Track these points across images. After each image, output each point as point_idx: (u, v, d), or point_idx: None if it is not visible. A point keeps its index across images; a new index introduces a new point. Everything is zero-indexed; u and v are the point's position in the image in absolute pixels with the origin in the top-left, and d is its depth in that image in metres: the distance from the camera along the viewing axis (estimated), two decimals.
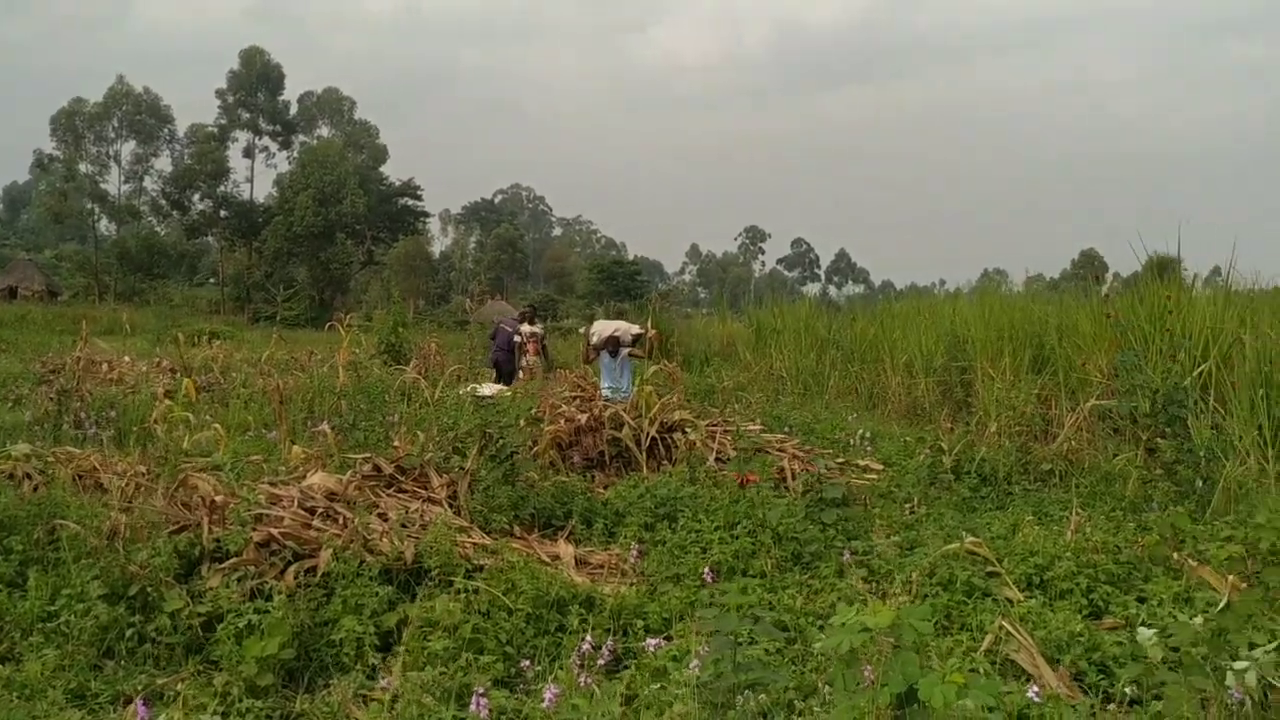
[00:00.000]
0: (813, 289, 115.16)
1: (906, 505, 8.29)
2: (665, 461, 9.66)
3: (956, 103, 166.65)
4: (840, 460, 10.33)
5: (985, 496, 8.67)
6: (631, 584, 6.18)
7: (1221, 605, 4.57)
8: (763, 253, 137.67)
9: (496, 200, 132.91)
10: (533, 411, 9.88)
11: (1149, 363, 9.38)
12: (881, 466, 9.99)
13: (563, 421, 9.94)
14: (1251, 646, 3.97)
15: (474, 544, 6.36)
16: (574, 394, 11.38)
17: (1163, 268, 13.21)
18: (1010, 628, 4.96)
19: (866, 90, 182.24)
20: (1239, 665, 3.61)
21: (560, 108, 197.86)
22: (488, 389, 11.63)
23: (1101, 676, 4.69)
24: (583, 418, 9.94)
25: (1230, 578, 5.49)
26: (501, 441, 7.81)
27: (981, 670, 4.61)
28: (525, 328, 17.67)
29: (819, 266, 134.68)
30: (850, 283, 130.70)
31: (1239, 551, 5.76)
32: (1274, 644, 3.86)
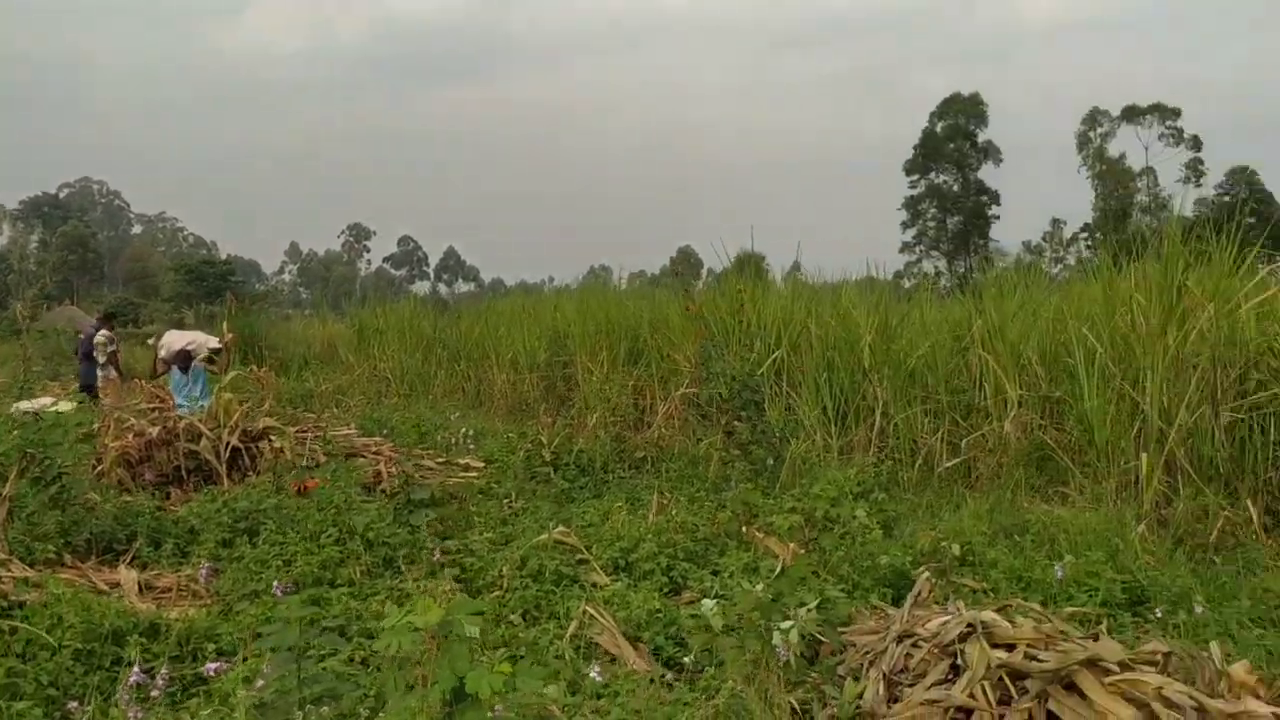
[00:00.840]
0: (422, 287, 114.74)
1: (505, 501, 8.51)
2: (250, 472, 9.20)
3: (558, 103, 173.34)
4: (441, 460, 10.45)
5: (583, 487, 9.13)
6: (203, 605, 5.79)
7: (778, 571, 5.16)
8: (368, 251, 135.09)
9: (62, 195, 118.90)
10: (93, 426, 8.99)
11: (729, 351, 10.35)
12: (483, 464, 10.20)
13: (131, 436, 9.17)
14: (802, 606, 4.52)
15: (12, 578, 5.64)
16: (150, 405, 10.53)
17: (749, 264, 14.64)
18: (593, 611, 5.24)
19: (469, 88, 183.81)
20: (784, 625, 4.09)
21: (137, 95, 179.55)
22: (35, 404, 10.33)
23: (678, 649, 5.08)
24: (154, 431, 9.21)
25: (791, 545, 6.22)
26: (47, 462, 6.97)
27: (566, 656, 4.84)
28: (99, 335, 16.04)
29: (428, 265, 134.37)
30: (460, 281, 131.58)
31: (799, 520, 6.53)
32: (815, 602, 4.42)
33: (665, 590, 5.96)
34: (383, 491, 8.53)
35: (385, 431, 11.91)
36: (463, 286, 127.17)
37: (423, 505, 7.60)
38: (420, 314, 20.89)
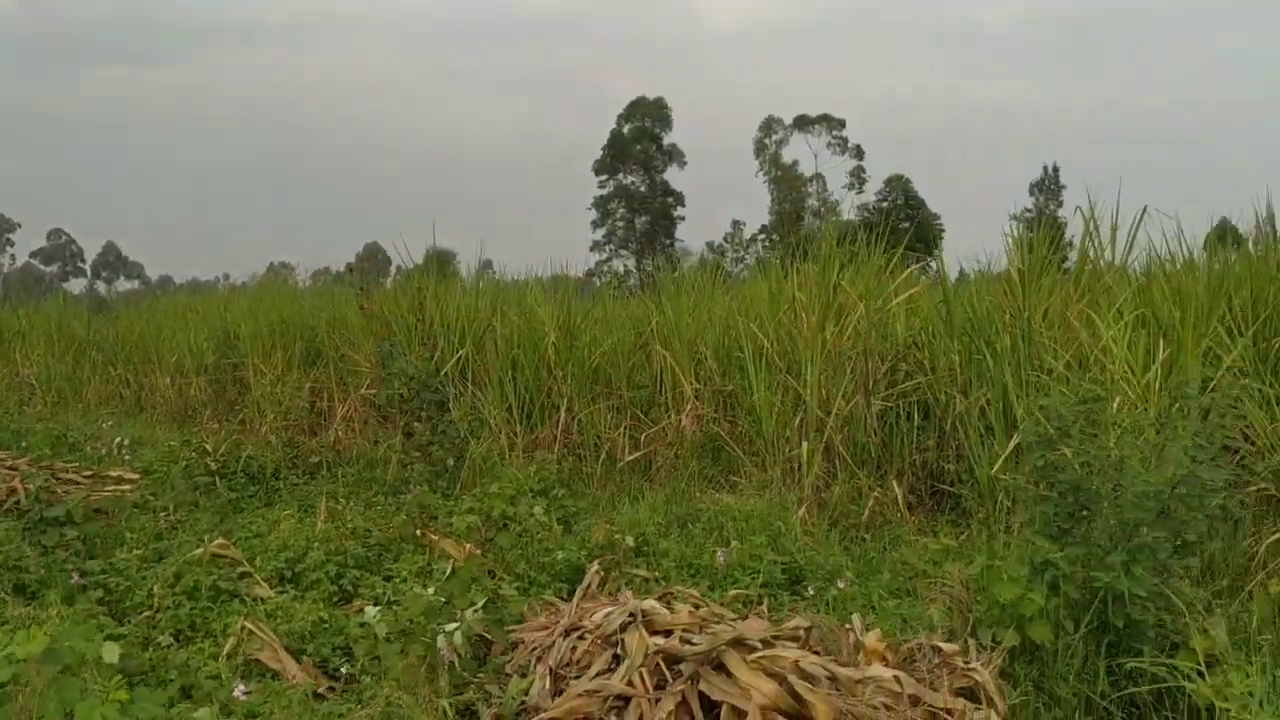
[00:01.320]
0: (76, 285, 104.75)
1: (163, 514, 7.94)
2: None
3: (235, 90, 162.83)
4: (89, 473, 9.57)
5: (253, 495, 8.70)
6: None
7: (449, 573, 5.14)
8: (11, 244, 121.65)
9: None
10: None
11: (411, 351, 10.20)
12: (138, 475, 9.45)
13: None
14: (471, 606, 4.53)
15: None
16: None
17: (441, 262, 14.47)
18: (252, 626, 4.99)
19: (133, 71, 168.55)
20: (449, 627, 4.08)
21: None
22: None
23: (345, 659, 4.94)
24: None
25: (468, 546, 6.22)
26: None
27: (222, 675, 4.59)
28: None
29: (83, 260, 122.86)
30: (122, 278, 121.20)
31: (476, 521, 6.54)
32: (482, 602, 4.44)
33: (335, 599, 5.79)
34: (12, 511, 7.69)
35: (23, 444, 10.76)
36: (125, 284, 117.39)
37: (59, 523, 6.94)
38: (71, 314, 19.24)
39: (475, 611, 4.38)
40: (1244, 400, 6.26)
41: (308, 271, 23.40)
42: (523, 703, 3.94)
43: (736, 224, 72.17)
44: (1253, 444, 6.33)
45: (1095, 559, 4.46)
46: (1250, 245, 8.23)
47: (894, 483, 7.66)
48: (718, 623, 3.92)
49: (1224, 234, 9.01)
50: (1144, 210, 8.07)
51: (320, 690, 4.44)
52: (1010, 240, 8.18)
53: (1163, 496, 4.40)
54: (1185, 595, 4.63)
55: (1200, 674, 3.96)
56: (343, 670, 4.58)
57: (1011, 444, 6.77)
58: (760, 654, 3.57)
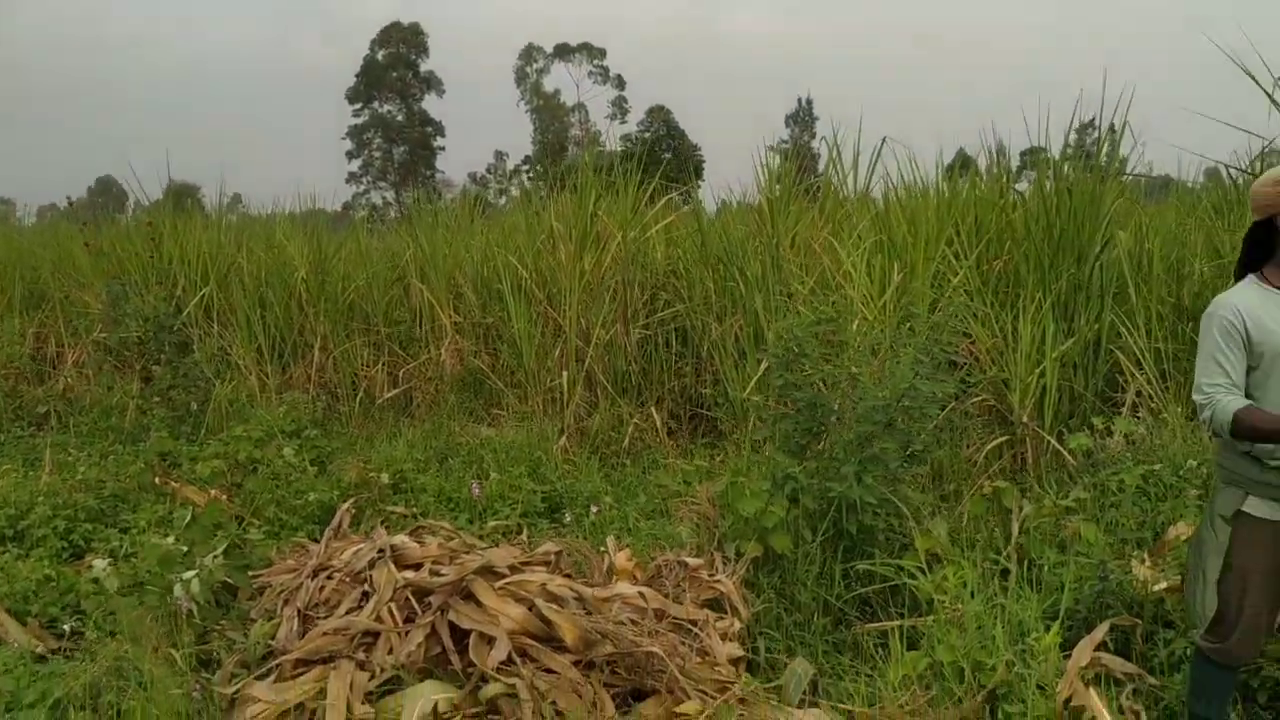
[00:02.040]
0: None
1: None
2: None
3: None
4: None
5: None
6: None
7: (188, 520, 4.94)
8: None
9: None
10: None
11: (148, 291, 9.59)
12: None
13: None
14: (212, 553, 4.37)
15: None
16: None
17: (183, 196, 13.56)
18: None
19: None
20: (186, 576, 3.93)
21: None
22: None
23: (76, 617, 4.68)
24: None
25: (213, 492, 5.97)
26: None
27: None
28: None
29: None
30: None
31: (221, 466, 6.28)
32: (223, 547, 4.30)
33: (65, 556, 5.45)
34: None
35: None
36: None
37: None
38: None
39: (216, 558, 4.23)
40: (967, 319, 6.81)
41: (30, 209, 21.46)
42: (269, 647, 3.86)
43: (499, 154, 71.28)
44: (976, 359, 6.89)
45: (831, 471, 4.76)
46: (982, 174, 8.88)
47: (653, 409, 7.89)
48: (468, 553, 3.95)
49: (963, 163, 9.67)
50: (883, 141, 8.57)
51: (44, 651, 4.18)
52: (760, 170, 8.47)
53: (889, 410, 4.74)
54: (913, 501, 5.03)
55: (923, 571, 4.32)
56: (66, 628, 4.33)
57: (763, 368, 7.10)
58: (508, 581, 3.63)
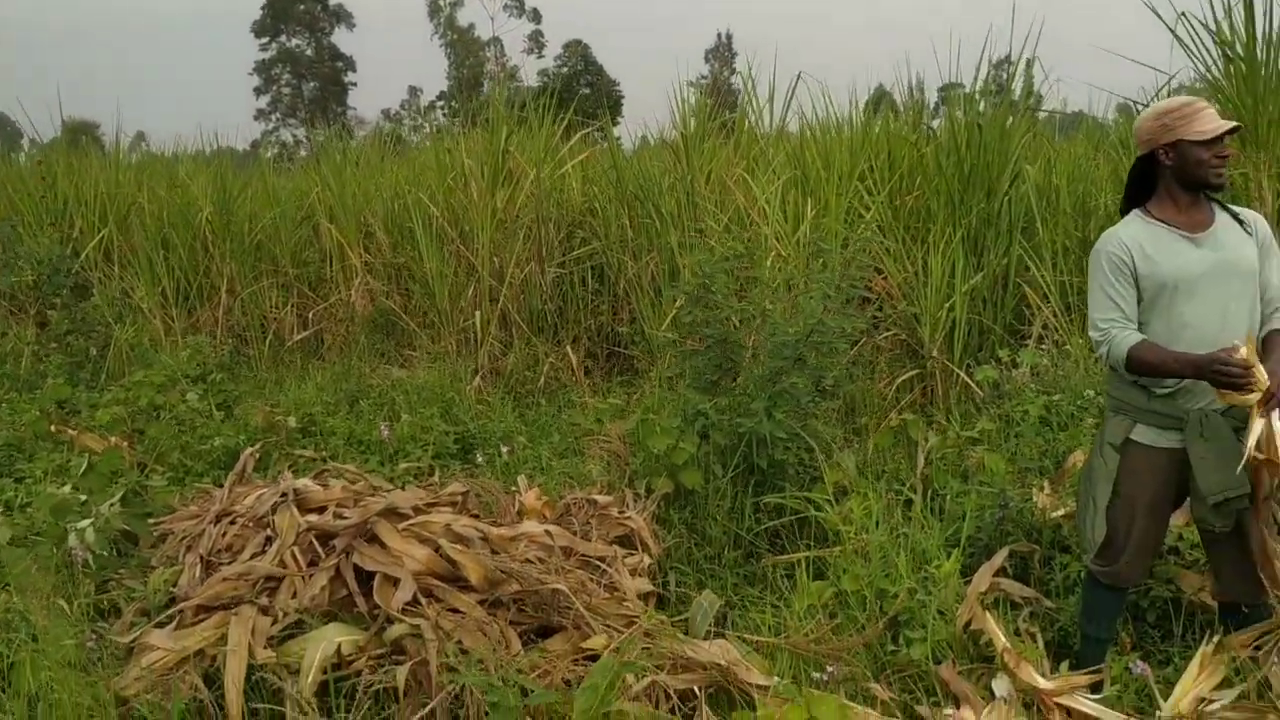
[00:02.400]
0: None
1: None
2: None
3: None
4: None
5: None
6: None
7: (85, 468, 4.82)
8: None
9: None
10: None
11: (43, 233, 9.27)
12: None
13: None
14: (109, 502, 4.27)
15: None
16: None
17: (80, 133, 13.05)
18: None
19: None
20: (81, 525, 3.84)
21: None
22: None
23: None
24: None
25: (113, 439, 5.83)
26: None
27: None
28: None
29: None
30: None
31: (122, 412, 6.13)
32: (119, 495, 4.20)
33: None
34: None
35: None
36: None
37: None
38: None
39: (114, 506, 4.14)
40: (879, 254, 6.89)
41: None
42: (171, 594, 3.80)
43: (413, 91, 69.57)
44: (888, 295, 6.98)
45: (742, 407, 4.81)
46: (901, 109, 8.93)
47: (569, 348, 7.87)
48: (372, 496, 3.92)
49: (880, 100, 9.71)
50: (798, 76, 8.56)
51: None
52: (676, 106, 8.40)
53: (799, 345, 4.78)
54: (823, 435, 5.11)
55: (830, 503, 4.40)
56: None
57: (677, 305, 7.11)
58: (412, 522, 3.61)
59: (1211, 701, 3.19)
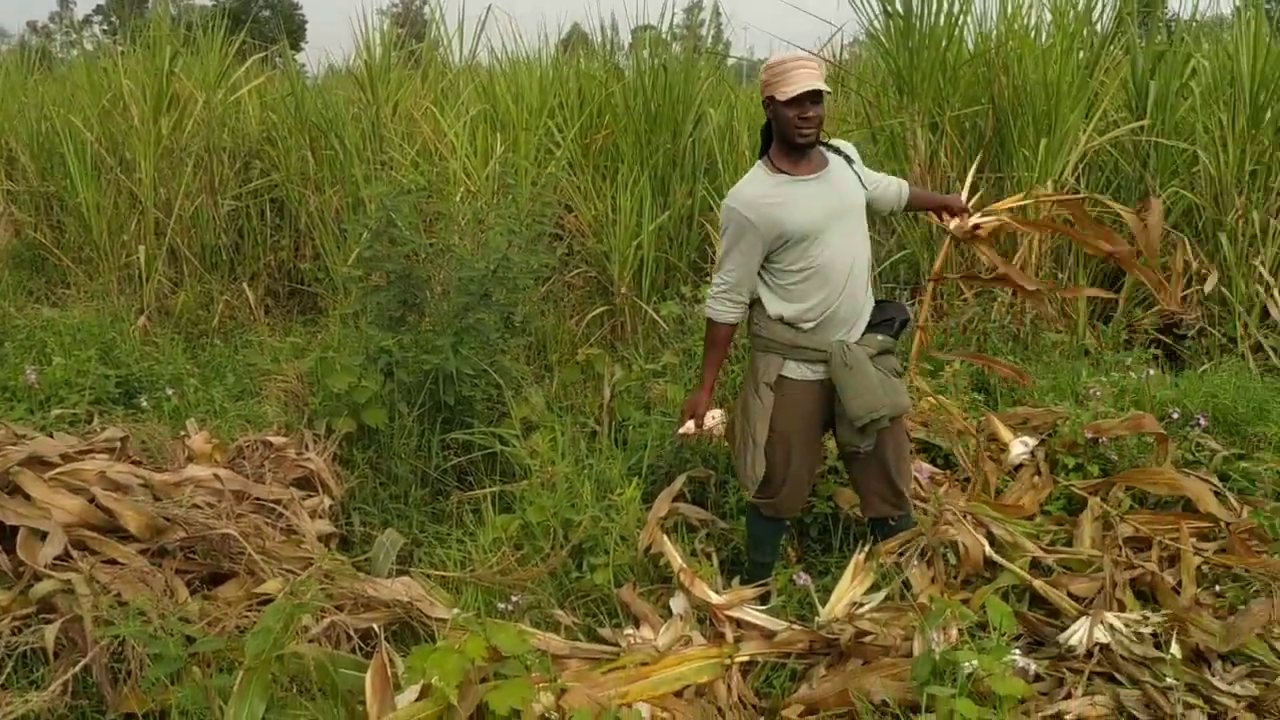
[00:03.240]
0: None
1: None
2: None
3: None
4: None
5: None
6: None
7: None
8: None
9: None
10: None
11: None
12: None
13: None
14: None
15: None
16: None
17: None
18: None
19: None
20: None
21: None
22: None
23: None
24: None
25: None
26: None
27: None
28: None
29: None
30: None
31: None
32: None
33: None
34: None
35: None
36: None
37: None
38: None
39: None
40: (570, 191, 7.00)
41: None
42: None
43: (64, 2, 62.90)
44: (579, 232, 7.11)
45: (428, 343, 4.77)
46: (596, 48, 9.03)
47: (246, 286, 7.50)
48: (14, 445, 3.59)
49: (573, 38, 9.78)
50: (489, 9, 8.47)
51: None
52: (361, 33, 8.09)
53: (486, 280, 4.79)
54: (511, 371, 5.16)
55: (519, 438, 4.47)
56: None
57: (362, 238, 6.92)
58: (60, 470, 3.35)
59: (862, 605, 3.54)
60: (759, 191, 3.33)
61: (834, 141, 3.57)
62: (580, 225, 7.10)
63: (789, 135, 3.29)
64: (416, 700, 2.69)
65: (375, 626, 3.00)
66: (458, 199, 6.46)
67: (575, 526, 3.91)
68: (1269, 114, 6.50)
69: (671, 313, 6.08)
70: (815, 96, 3.22)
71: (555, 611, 3.54)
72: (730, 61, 9.31)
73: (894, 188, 3.74)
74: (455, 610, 3.27)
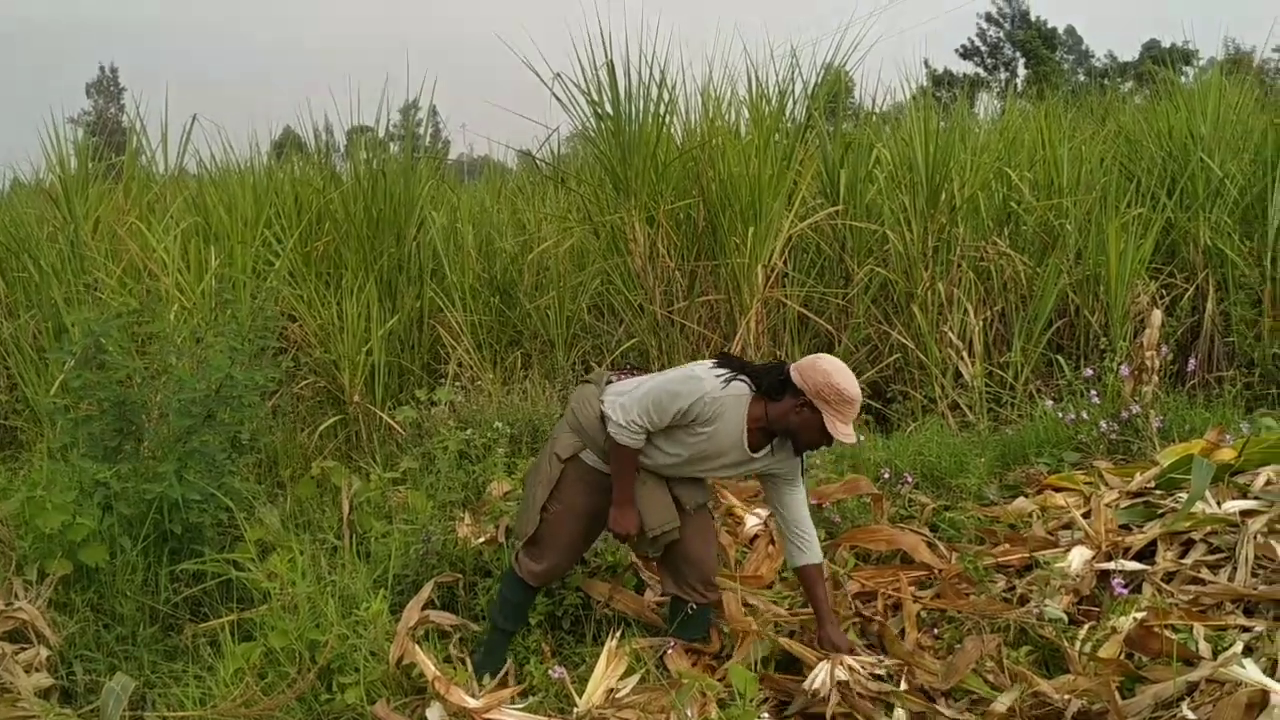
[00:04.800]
0: None
1: None
2: None
3: None
4: None
5: None
6: None
7: None
8: None
9: None
10: None
11: None
12: None
13: None
14: None
15: None
16: None
17: None
18: None
19: None
20: None
21: None
22: None
23: None
24: None
25: None
26: None
27: None
28: None
29: None
30: None
31: None
32: None
33: None
34: None
35: None
36: None
37: None
38: None
39: None
40: (293, 301, 6.93)
41: None
42: None
43: None
44: (305, 342, 7.02)
45: (149, 472, 4.59)
46: (311, 153, 9.00)
47: None
48: None
49: (288, 143, 9.70)
50: (194, 118, 8.32)
51: None
52: (51, 145, 7.73)
53: (208, 401, 4.68)
54: (242, 492, 5.02)
55: (254, 562, 4.35)
56: None
57: (66, 367, 6.55)
58: None
59: (620, 690, 3.68)
60: (726, 414, 3.49)
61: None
62: (305, 335, 7.02)
63: (799, 442, 3.55)
64: None
65: None
66: (171, 317, 6.26)
67: (321, 647, 3.85)
68: (943, 195, 7.33)
69: (408, 418, 6.11)
70: None
71: None
72: (450, 160, 9.53)
73: (796, 539, 3.80)
74: None
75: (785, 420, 3.48)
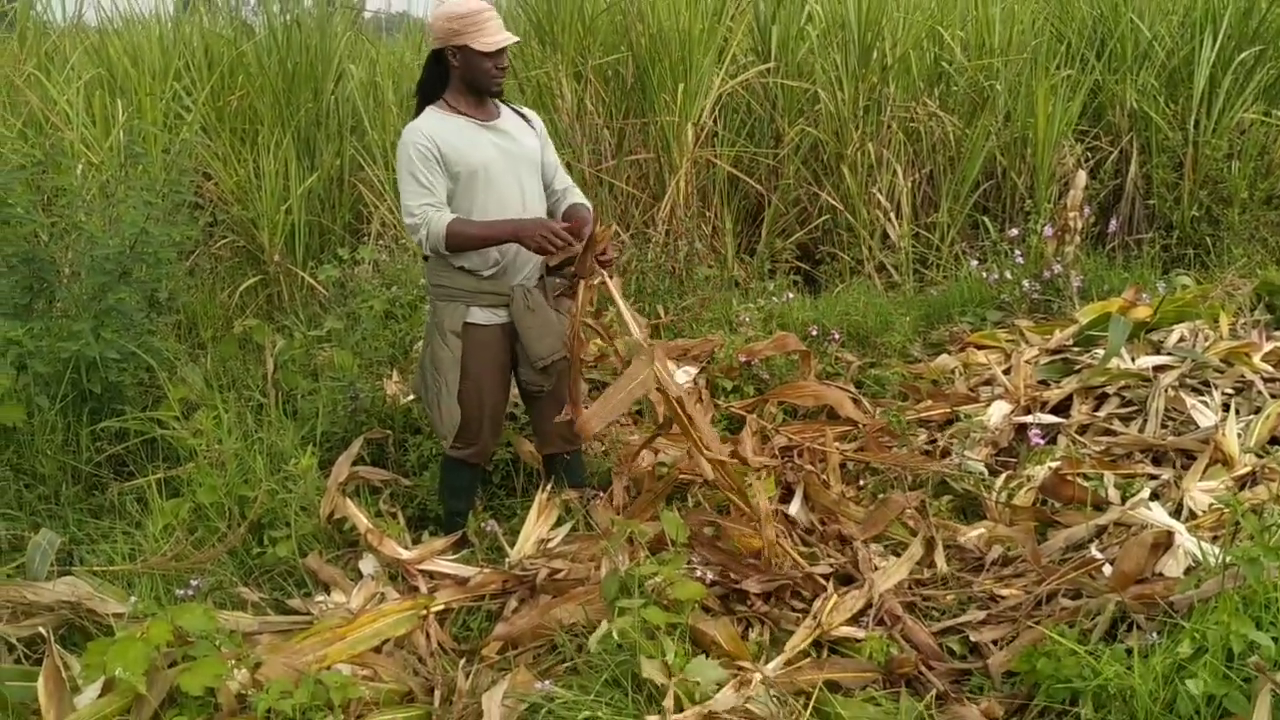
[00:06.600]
0: None
1: None
2: None
3: None
4: None
5: None
6: None
7: None
8: None
9: None
10: None
11: None
12: None
13: None
14: None
15: None
16: None
17: None
18: None
19: None
20: None
21: None
22: None
23: None
24: None
25: None
26: None
27: None
28: None
29: None
30: None
31: None
32: None
33: None
34: None
35: None
36: None
37: None
38: None
39: None
40: (207, 158, 6.72)
41: None
42: None
43: None
44: (222, 200, 6.84)
45: (64, 330, 4.48)
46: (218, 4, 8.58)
47: None
48: None
49: None
50: None
51: None
52: None
53: (122, 257, 4.56)
54: (163, 351, 4.94)
55: (179, 420, 4.31)
56: None
57: None
58: None
59: (551, 540, 3.76)
60: (437, 127, 3.46)
61: (522, 109, 3.75)
62: (222, 193, 6.83)
63: (484, 84, 3.46)
64: (100, 697, 2.63)
65: (42, 629, 2.88)
66: (79, 172, 6.04)
67: (251, 502, 3.87)
68: (875, 54, 7.27)
69: (330, 277, 6.03)
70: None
71: (240, 589, 3.51)
72: (367, 15, 9.19)
73: (564, 191, 3.82)
74: (132, 599, 3.18)
75: (463, 81, 3.49)
